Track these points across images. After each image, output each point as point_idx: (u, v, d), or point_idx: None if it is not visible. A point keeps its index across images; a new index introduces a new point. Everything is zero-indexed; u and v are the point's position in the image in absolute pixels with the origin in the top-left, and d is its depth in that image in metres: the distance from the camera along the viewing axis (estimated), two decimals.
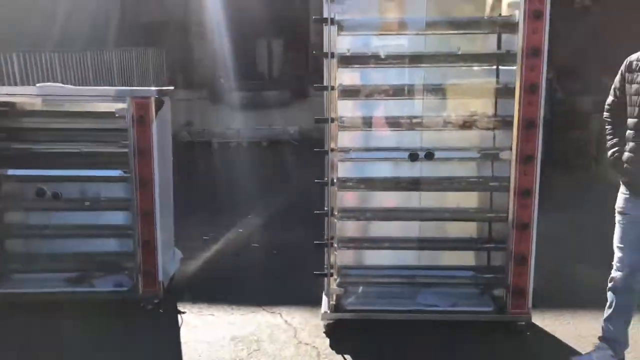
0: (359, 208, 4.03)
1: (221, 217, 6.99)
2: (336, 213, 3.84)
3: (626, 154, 3.16)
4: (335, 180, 3.80)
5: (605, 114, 3.38)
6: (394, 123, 3.88)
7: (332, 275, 3.90)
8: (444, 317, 3.85)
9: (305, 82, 14.47)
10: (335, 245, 3.85)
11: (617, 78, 3.27)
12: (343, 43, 3.75)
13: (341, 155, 3.79)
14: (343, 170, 3.90)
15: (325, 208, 4.06)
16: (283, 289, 4.70)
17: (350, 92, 3.86)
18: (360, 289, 4.13)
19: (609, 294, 3.32)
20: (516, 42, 3.53)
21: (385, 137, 3.96)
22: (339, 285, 3.90)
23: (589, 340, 3.70)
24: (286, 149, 12.21)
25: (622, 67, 3.23)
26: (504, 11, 3.84)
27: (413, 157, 3.70)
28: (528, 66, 3.54)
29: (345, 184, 3.91)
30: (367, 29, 3.87)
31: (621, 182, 3.29)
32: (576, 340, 3.77)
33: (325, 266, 4.16)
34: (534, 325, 3.91)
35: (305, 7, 15.88)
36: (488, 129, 3.89)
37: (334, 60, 3.63)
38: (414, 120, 3.84)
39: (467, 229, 4.13)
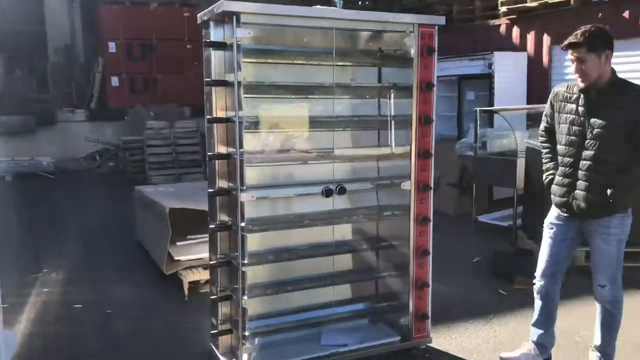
0: (263, 251, 3.65)
1: (6, 275, 5.60)
2: (245, 260, 3.42)
3: (557, 178, 3.48)
4: (243, 224, 3.39)
5: (541, 139, 3.67)
6: (301, 157, 3.64)
7: (232, 331, 3.47)
8: (356, 355, 3.72)
9: (49, 106, 12.73)
10: (245, 297, 3.42)
11: (547, 106, 3.57)
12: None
13: (248, 195, 3.39)
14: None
15: (220, 255, 3.62)
16: (155, 356, 3.96)
17: (254, 124, 3.50)
18: (257, 341, 3.73)
19: (535, 300, 3.64)
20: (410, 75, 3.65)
21: (292, 172, 3.70)
22: (249, 341, 3.45)
23: (476, 351, 4.01)
24: (39, 183, 10.47)
25: (550, 97, 3.53)
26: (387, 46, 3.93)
27: (328, 192, 3.52)
28: (422, 98, 3.70)
29: (251, 226, 3.50)
30: (272, 57, 3.56)
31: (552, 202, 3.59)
32: (469, 354, 4.02)
33: (220, 321, 3.69)
34: (428, 346, 4.05)
35: (41, 21, 14.01)
36: (385, 159, 3.95)
37: (241, 90, 3.26)
38: (321, 153, 3.66)
39: (361, 260, 4.10)
